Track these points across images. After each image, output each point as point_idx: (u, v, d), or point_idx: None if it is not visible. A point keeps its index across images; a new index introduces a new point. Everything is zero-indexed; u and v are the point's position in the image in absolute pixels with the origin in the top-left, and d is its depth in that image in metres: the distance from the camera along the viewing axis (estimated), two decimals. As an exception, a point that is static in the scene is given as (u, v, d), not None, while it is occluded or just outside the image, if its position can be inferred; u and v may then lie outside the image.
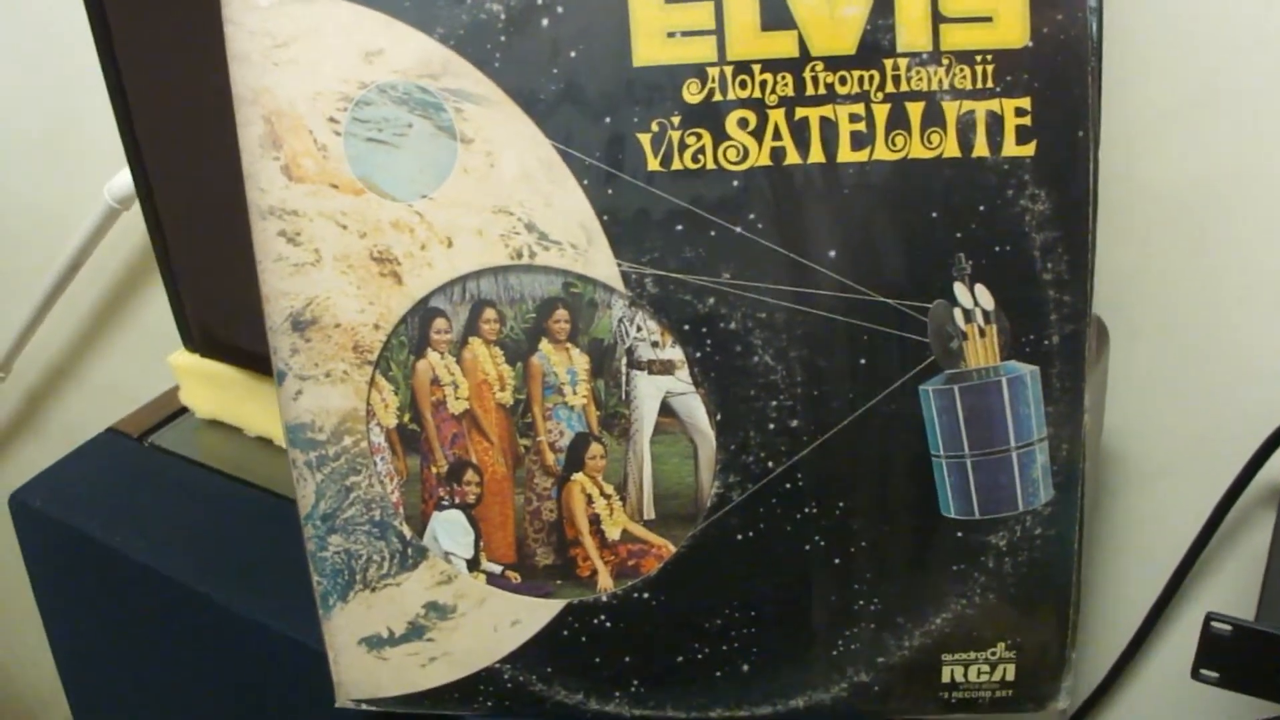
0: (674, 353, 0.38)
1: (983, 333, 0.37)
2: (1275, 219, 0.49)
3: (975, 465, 0.39)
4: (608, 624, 0.41)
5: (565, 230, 0.37)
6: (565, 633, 0.42)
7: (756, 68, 0.36)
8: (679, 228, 0.37)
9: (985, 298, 0.37)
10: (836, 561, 0.40)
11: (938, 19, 0.35)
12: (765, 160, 0.36)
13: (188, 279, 0.59)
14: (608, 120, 0.36)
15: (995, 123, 0.36)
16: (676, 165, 0.36)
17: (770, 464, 0.39)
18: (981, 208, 0.36)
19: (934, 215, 0.36)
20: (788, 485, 0.39)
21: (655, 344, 0.38)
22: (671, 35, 0.35)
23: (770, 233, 0.37)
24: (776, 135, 0.36)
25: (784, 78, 0.36)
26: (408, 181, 0.37)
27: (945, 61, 0.35)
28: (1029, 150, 0.36)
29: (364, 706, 0.44)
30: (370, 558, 0.42)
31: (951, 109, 0.36)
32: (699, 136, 0.36)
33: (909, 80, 0.35)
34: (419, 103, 0.36)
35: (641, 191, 0.37)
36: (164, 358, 0.62)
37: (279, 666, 0.51)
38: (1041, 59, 0.35)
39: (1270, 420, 0.51)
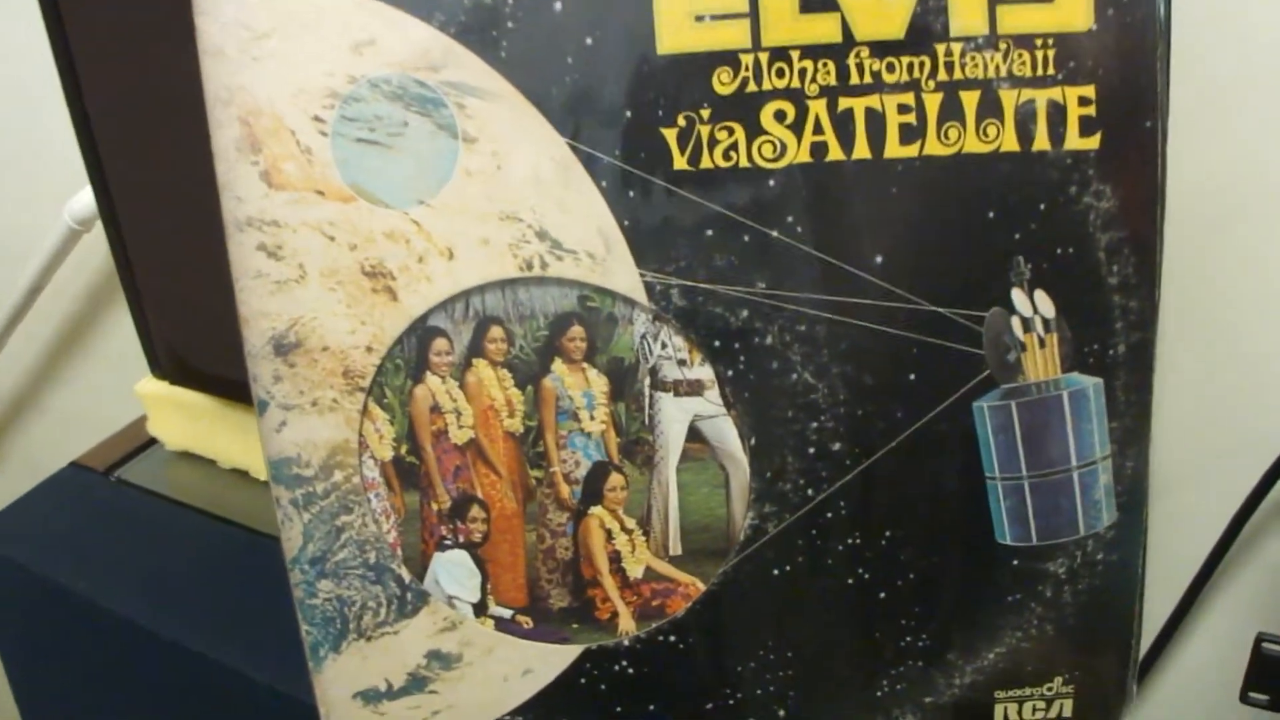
0: (703, 371, 0.36)
1: (1043, 343, 0.36)
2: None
3: (1033, 487, 0.37)
4: (630, 671, 0.39)
5: (581, 238, 0.35)
6: (583, 681, 0.40)
7: (795, 54, 0.33)
8: (708, 233, 0.35)
9: (1045, 304, 0.36)
10: (882, 596, 0.39)
11: (994, 0, 0.33)
12: (805, 157, 0.34)
13: (154, 300, 0.57)
14: (629, 115, 0.34)
15: (1057, 113, 0.34)
16: (706, 164, 0.34)
17: (810, 491, 0.37)
18: (1042, 206, 0.35)
19: (990, 215, 0.35)
20: (829, 515, 0.37)
21: (682, 362, 0.36)
22: (700, 19, 0.33)
23: (810, 237, 0.35)
24: (817, 129, 0.34)
25: (825, 65, 0.34)
26: (403, 186, 0.35)
27: (1003, 46, 0.33)
28: (1093, 143, 0.34)
29: (360, 767, 0.42)
30: (365, 604, 0.39)
31: (1010, 98, 0.34)
32: (731, 131, 0.34)
33: (963, 67, 0.34)
34: (415, 98, 0.34)
35: (667, 194, 0.35)
36: (131, 386, 0.61)
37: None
38: (1106, 43, 0.34)
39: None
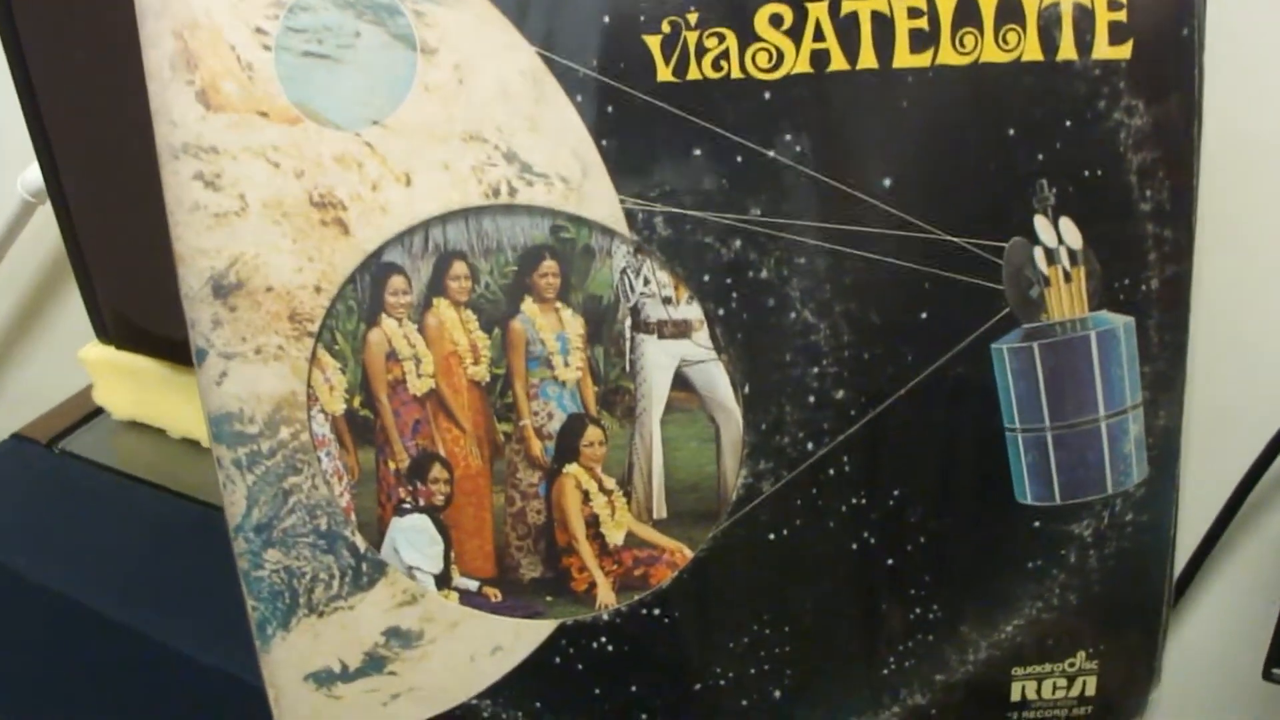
0: (690, 310, 0.35)
1: (1068, 277, 0.35)
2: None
3: (1057, 440, 0.36)
4: (609, 648, 0.39)
5: (554, 160, 0.34)
6: (558, 659, 0.39)
7: (793, -52, 0.32)
8: (696, 153, 0.34)
9: (1071, 234, 0.35)
10: (890, 562, 0.38)
11: (1016, -112, 0.32)
12: (804, 67, 0.33)
13: (98, 258, 0.56)
14: (606, 20, 0.33)
15: (1084, 18, 0.33)
16: (693, 74, 0.33)
17: (809, 446, 0.36)
18: (1068, 123, 0.34)
19: (1010, 133, 0.34)
20: (831, 471, 0.37)
21: (667, 300, 0.35)
22: (687, -93, 0.32)
23: (810, 158, 0.34)
24: (818, 35, 0.33)
25: (827, -40, 0.32)
26: (355, 105, 0.33)
27: (1024, -61, 0.32)
28: (1124, 52, 0.33)
29: (314, 755, 0.41)
30: (316, 576, 0.38)
31: (1032, 1, 0.33)
32: (721, 38, 0.33)
33: (981, -37, 0.32)
34: (368, 5, 0.33)
35: (650, 109, 0.33)
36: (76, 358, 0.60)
37: (213, 706, 0.48)
38: (1139, -63, 0.33)
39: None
